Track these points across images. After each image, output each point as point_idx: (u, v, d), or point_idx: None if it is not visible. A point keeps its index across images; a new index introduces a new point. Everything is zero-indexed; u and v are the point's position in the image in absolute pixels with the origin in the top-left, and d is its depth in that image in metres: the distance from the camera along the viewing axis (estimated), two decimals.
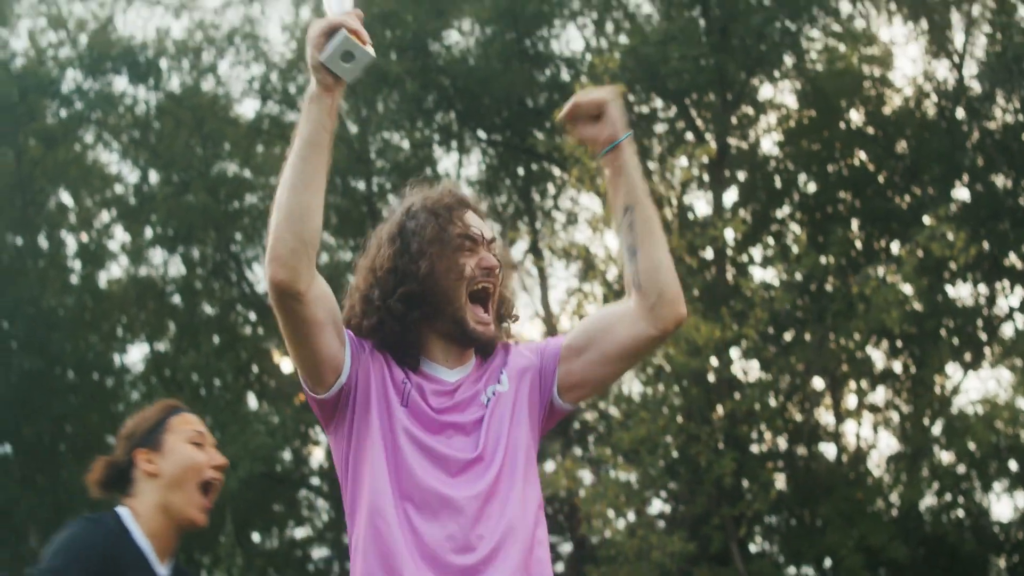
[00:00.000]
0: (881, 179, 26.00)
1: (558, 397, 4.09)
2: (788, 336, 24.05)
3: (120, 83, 29.89)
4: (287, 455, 28.85)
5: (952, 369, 24.98)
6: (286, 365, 27.26)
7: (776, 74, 26.23)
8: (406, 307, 3.94)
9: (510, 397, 4.02)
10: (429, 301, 3.94)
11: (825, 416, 25.69)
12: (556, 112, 20.80)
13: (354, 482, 3.90)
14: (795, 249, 23.07)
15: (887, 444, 27.07)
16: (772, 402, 22.91)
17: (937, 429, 24.47)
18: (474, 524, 3.78)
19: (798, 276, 22.73)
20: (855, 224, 25.73)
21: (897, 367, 25.96)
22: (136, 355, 30.59)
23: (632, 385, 23.26)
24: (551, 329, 27.05)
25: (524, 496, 3.91)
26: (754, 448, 23.73)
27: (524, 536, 3.85)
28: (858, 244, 25.35)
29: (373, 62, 3.77)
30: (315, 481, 30.43)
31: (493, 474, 3.87)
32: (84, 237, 31.52)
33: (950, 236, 20.64)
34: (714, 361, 21.99)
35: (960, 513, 25.26)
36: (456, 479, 3.83)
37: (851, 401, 25.68)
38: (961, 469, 24.46)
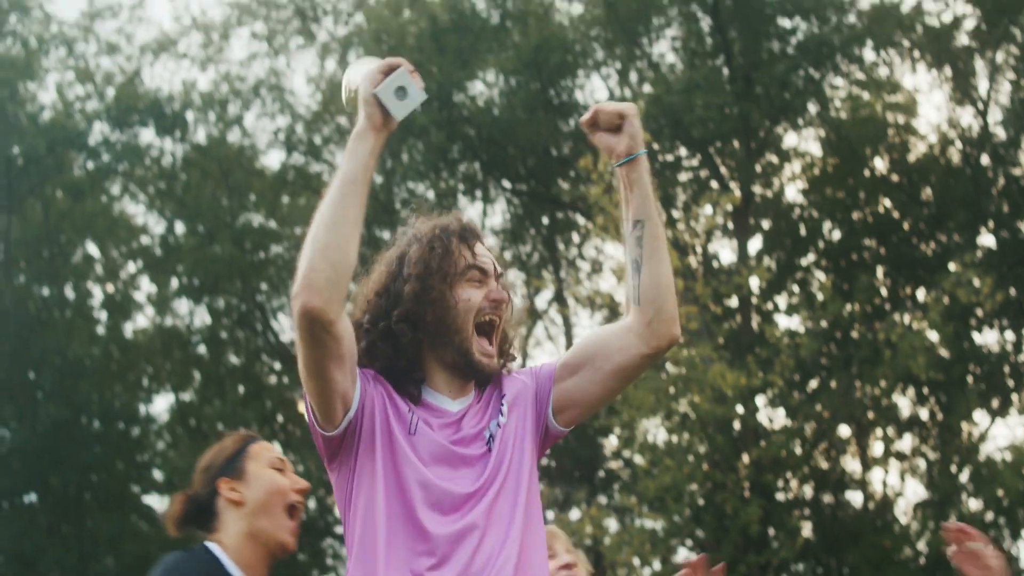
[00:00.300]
0: (906, 226, 25.96)
1: (552, 419, 4.07)
2: (814, 383, 23.97)
3: (147, 135, 30.19)
4: (311, 504, 28.80)
5: (979, 416, 24.84)
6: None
7: (800, 122, 26.27)
8: (403, 329, 3.91)
9: (511, 428, 3.99)
10: (433, 328, 3.93)
11: (851, 463, 25.58)
12: (581, 161, 20.92)
13: (356, 519, 3.86)
14: (820, 296, 23.04)
15: (914, 491, 26.94)
16: (798, 450, 22.82)
17: (965, 476, 24.33)
18: (450, 558, 3.75)
19: (823, 323, 22.69)
20: (880, 271, 25.70)
21: (924, 414, 25.82)
22: (161, 405, 30.76)
23: (658, 433, 23.19)
24: None
25: (522, 531, 3.85)
26: (780, 496, 23.60)
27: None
28: (883, 291, 25.28)
29: (423, 104, 3.80)
30: (339, 530, 30.35)
31: (483, 511, 3.82)
32: (110, 288, 31.62)
33: (976, 282, 20.58)
34: (740, 409, 21.93)
35: None
36: (447, 516, 3.79)
37: (878, 448, 25.54)
38: (989, 516, 24.27)
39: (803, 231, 26.93)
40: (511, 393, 4.06)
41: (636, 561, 20.87)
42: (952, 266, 22.07)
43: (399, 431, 3.88)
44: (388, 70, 3.77)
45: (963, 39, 26.08)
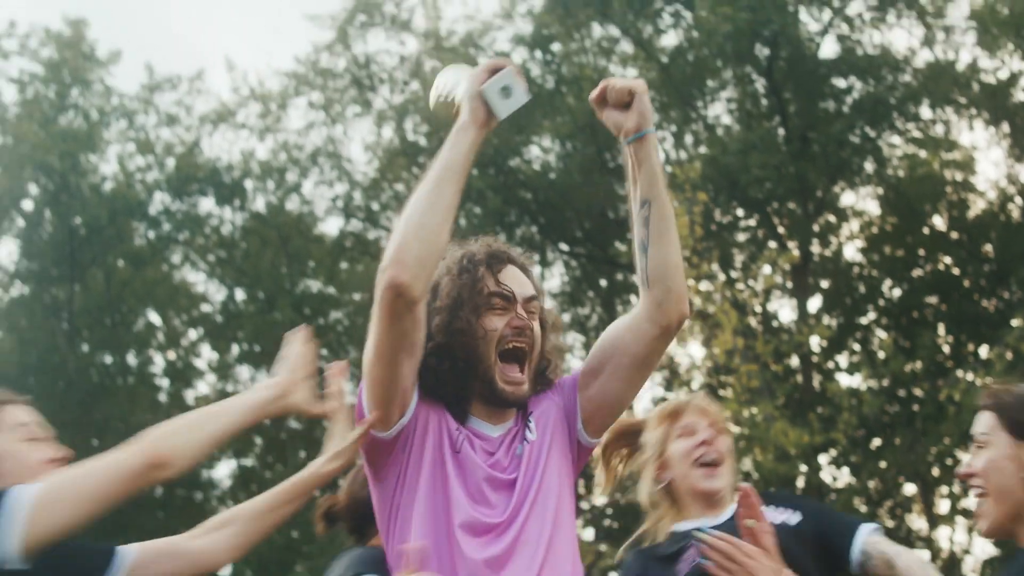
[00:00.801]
0: (967, 283, 25.85)
1: (583, 431, 4.09)
2: (877, 441, 23.82)
3: (206, 204, 30.55)
4: None
5: None
6: None
7: (857, 181, 26.27)
8: (437, 362, 3.94)
9: (539, 445, 4.02)
10: (460, 358, 3.96)
11: (917, 521, 25.33)
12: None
13: (395, 533, 3.90)
14: (881, 354, 22.94)
15: (982, 548, 26.56)
16: (863, 507, 22.65)
17: None
18: None
19: (885, 381, 22.59)
20: (942, 328, 25.56)
21: None
22: (224, 470, 30.79)
23: None
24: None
25: (547, 552, 3.85)
26: None
27: None
28: (946, 348, 25.14)
29: (527, 102, 3.88)
30: None
31: (510, 540, 3.84)
32: (172, 355, 31.88)
33: None
34: (803, 467, 21.81)
35: None
36: (479, 539, 3.82)
37: (944, 506, 25.31)
38: None
39: (862, 289, 26.85)
40: (539, 410, 4.08)
41: None
42: (1015, 321, 21.92)
43: (447, 447, 3.92)
44: (494, 69, 3.85)
45: (1020, 95, 26.05)
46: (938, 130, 26.46)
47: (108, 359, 30.93)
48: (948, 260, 26.22)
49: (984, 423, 3.74)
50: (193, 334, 32.25)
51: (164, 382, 31.78)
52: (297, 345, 4.11)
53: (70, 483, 3.44)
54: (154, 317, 32.17)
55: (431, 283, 3.85)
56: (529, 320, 4.02)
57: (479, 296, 3.98)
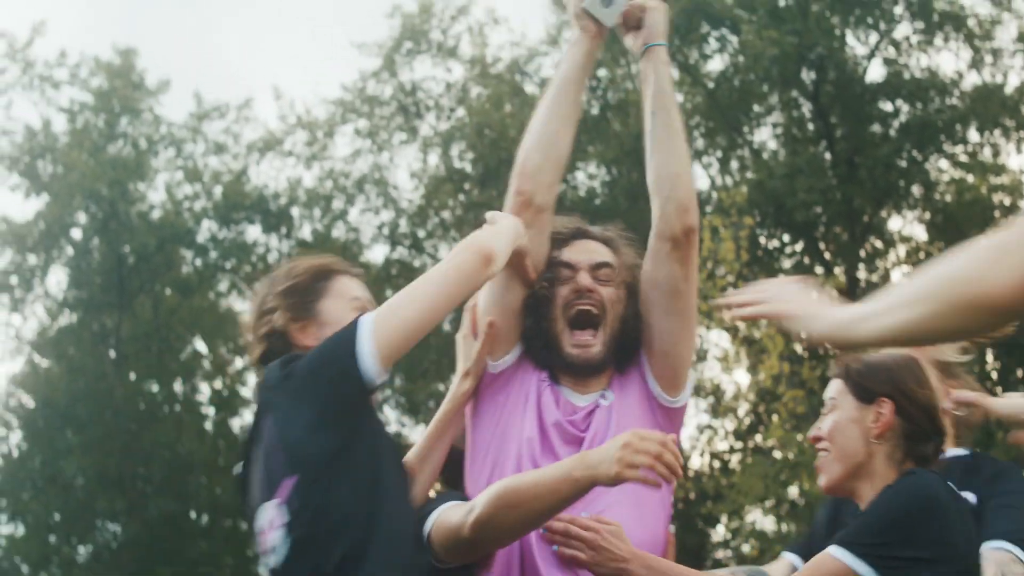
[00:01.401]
0: None
1: (657, 388, 4.10)
2: None
3: (253, 232, 30.63)
4: None
5: None
6: None
7: (904, 205, 26.06)
8: (528, 325, 4.12)
9: (613, 407, 4.06)
10: (537, 333, 4.09)
11: None
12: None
13: (485, 473, 4.02)
14: None
15: None
16: None
17: None
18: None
19: None
20: (990, 355, 25.27)
21: None
22: None
23: (766, 521, 22.91)
24: (683, 468, 26.76)
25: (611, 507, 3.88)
26: None
27: None
28: (993, 375, 24.85)
29: (628, 5, 4.13)
30: None
31: None
32: (218, 384, 31.94)
33: None
34: None
35: None
36: None
37: None
38: None
39: None
40: (622, 377, 4.14)
41: None
42: None
43: (533, 398, 4.05)
44: None
45: None
46: (986, 154, 26.22)
47: (155, 387, 31.04)
48: None
49: (833, 389, 3.91)
50: (239, 362, 32.33)
51: (210, 410, 31.82)
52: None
53: (408, 293, 3.62)
54: (201, 345, 32.26)
55: (554, 195, 4.12)
56: (596, 285, 4.09)
57: (551, 271, 4.11)
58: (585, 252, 4.18)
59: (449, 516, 3.79)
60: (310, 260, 4.09)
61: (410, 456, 4.14)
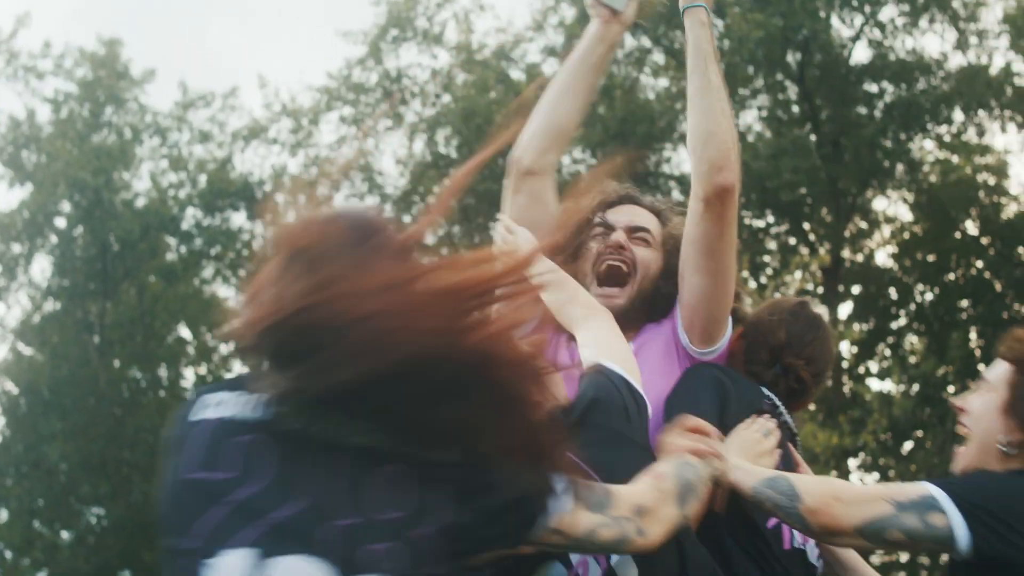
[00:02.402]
0: (999, 286, 25.59)
1: (685, 338, 4.21)
2: (908, 445, 23.57)
3: (238, 219, 30.56)
4: None
5: None
6: None
7: (889, 186, 26.09)
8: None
9: (634, 350, 4.04)
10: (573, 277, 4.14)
11: None
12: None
13: None
14: (912, 359, 22.74)
15: None
16: None
17: None
18: None
19: (915, 386, 22.38)
20: (974, 332, 25.32)
21: None
22: None
23: None
24: None
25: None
26: (875, 559, 23.13)
27: None
28: (977, 353, 24.88)
29: None
30: None
31: None
32: (203, 370, 31.87)
33: None
34: (832, 471, 21.58)
35: None
36: None
37: None
38: None
39: (894, 295, 26.63)
40: (649, 331, 4.32)
41: None
42: None
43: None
44: None
45: None
46: (971, 134, 26.26)
47: (139, 374, 30.95)
48: (980, 264, 25.99)
49: (997, 371, 3.84)
50: (224, 348, 32.28)
51: None
52: None
53: None
54: (185, 332, 32.23)
55: (549, 162, 4.35)
56: (631, 243, 4.31)
57: (585, 231, 4.35)
58: (627, 214, 4.39)
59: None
60: None
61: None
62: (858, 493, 3.58)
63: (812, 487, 3.56)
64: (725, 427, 3.82)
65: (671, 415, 3.76)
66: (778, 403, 4.24)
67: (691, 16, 4.21)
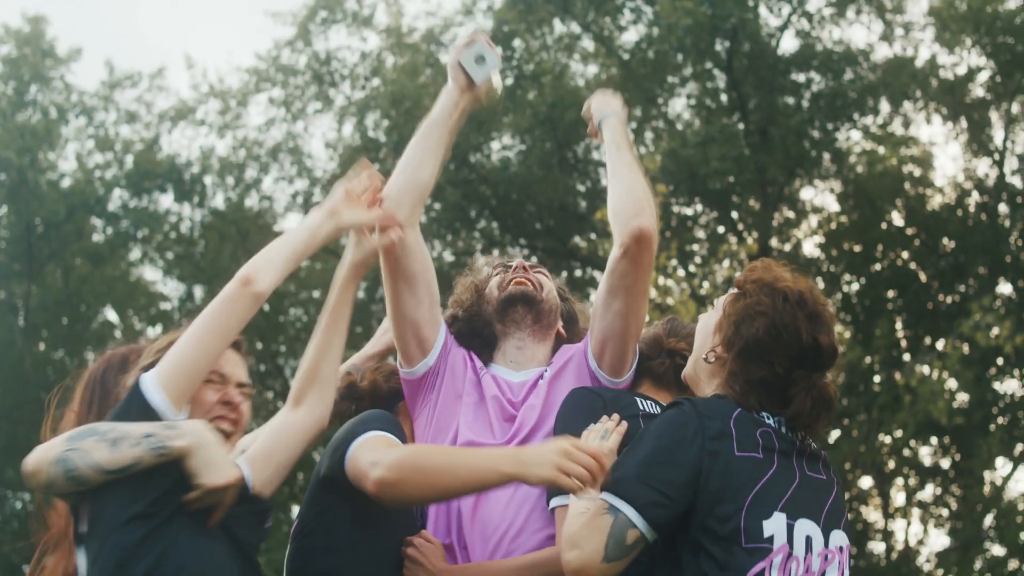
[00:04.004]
0: (924, 277, 25.89)
1: (596, 367, 4.53)
2: (835, 433, 23.80)
3: (165, 201, 30.33)
4: None
5: (1001, 462, 24.53)
6: None
7: (816, 175, 26.30)
8: (459, 326, 4.82)
9: (549, 380, 4.52)
10: (476, 318, 4.76)
11: (873, 514, 25.36)
12: (598, 214, 20.92)
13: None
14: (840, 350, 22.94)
15: (937, 540, 26.62)
16: None
17: (988, 522, 24.02)
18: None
19: (840, 376, 22.56)
20: (899, 322, 25.59)
21: (945, 463, 25.63)
22: None
23: None
24: None
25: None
26: None
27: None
28: (903, 343, 25.17)
29: (498, 67, 4.61)
30: None
31: None
32: None
33: (995, 331, 20.48)
34: None
35: None
36: None
37: (900, 499, 25.34)
38: (1013, 564, 23.91)
39: (821, 284, 26.86)
40: (560, 355, 4.65)
41: None
42: (973, 309, 21.84)
43: (470, 382, 4.59)
44: (471, 42, 4.64)
45: (978, 91, 26.14)
46: (897, 125, 26.52)
47: (66, 357, 30.72)
48: (906, 255, 26.28)
49: (724, 297, 4.17)
50: (151, 332, 32.08)
51: None
52: (357, 178, 4.58)
53: (184, 334, 4.04)
54: (112, 315, 32.05)
55: (416, 216, 4.62)
56: (531, 272, 4.79)
57: (487, 278, 4.90)
58: (519, 260, 4.85)
59: (360, 456, 4.00)
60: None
61: (311, 355, 4.39)
62: None
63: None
64: None
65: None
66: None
67: (606, 125, 4.83)
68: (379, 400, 4.74)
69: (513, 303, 4.68)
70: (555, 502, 4.14)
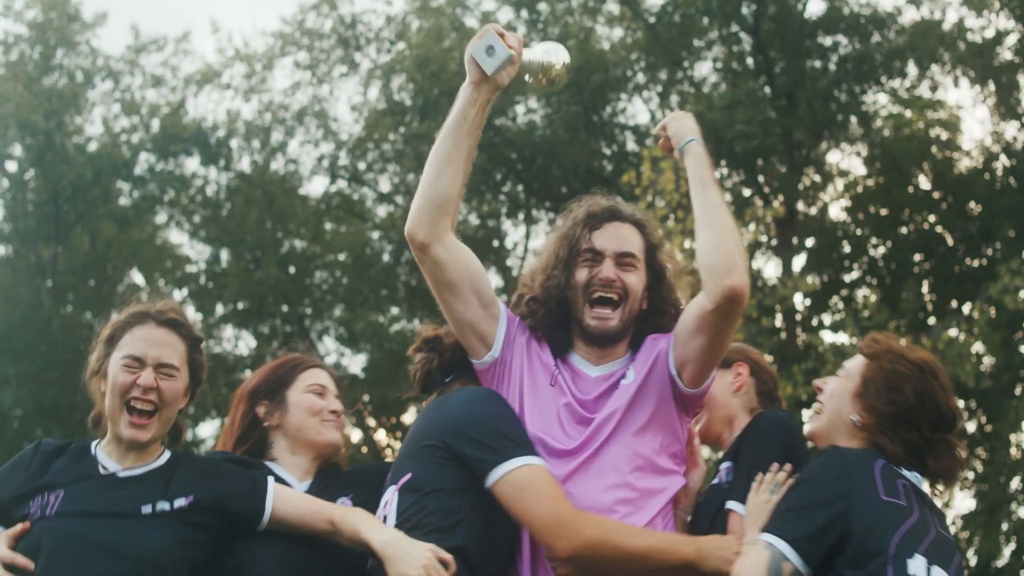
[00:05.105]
0: (951, 240, 25.82)
1: (678, 378, 4.58)
2: None
3: (191, 164, 30.39)
4: None
5: None
6: (356, 435, 27.14)
7: (843, 138, 26.22)
8: (532, 309, 4.71)
9: (633, 387, 4.55)
10: (552, 306, 4.65)
11: None
12: (624, 176, 20.90)
13: None
14: (865, 312, 22.92)
15: (963, 503, 26.58)
16: None
17: (1015, 485, 24.01)
18: None
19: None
20: (926, 285, 25.54)
21: (971, 427, 25.55)
22: (207, 430, 30.69)
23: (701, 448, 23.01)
24: None
25: (626, 480, 4.49)
26: None
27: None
28: (929, 306, 25.12)
29: (510, 59, 4.51)
30: None
31: (574, 466, 4.44)
32: None
33: (1022, 294, 20.44)
34: None
35: None
36: (556, 461, 4.42)
37: None
38: None
39: (847, 248, 26.84)
40: (643, 356, 4.64)
41: None
42: (1001, 272, 21.76)
43: (541, 380, 4.61)
44: (482, 34, 4.55)
45: (1006, 54, 26.00)
46: (924, 89, 26.42)
47: (92, 319, 30.82)
48: (932, 218, 26.22)
49: (855, 363, 4.65)
50: (177, 294, 32.16)
51: None
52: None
53: None
54: (138, 277, 32.09)
55: (442, 228, 4.51)
56: (619, 273, 4.64)
57: (572, 253, 4.68)
58: (613, 239, 4.67)
59: (531, 500, 4.30)
60: None
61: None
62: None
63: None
64: None
65: None
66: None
67: (687, 151, 4.69)
68: (460, 356, 4.81)
69: (594, 306, 4.68)
70: (730, 505, 4.56)
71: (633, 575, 4.36)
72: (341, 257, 30.72)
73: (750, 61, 26.50)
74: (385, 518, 4.45)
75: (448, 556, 4.19)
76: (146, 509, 4.43)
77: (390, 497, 4.47)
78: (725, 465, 4.76)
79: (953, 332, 21.89)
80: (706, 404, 4.94)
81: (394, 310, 31.43)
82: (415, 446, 4.47)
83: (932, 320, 24.30)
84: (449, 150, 4.52)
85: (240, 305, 29.81)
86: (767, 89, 25.61)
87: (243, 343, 31.45)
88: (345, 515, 4.48)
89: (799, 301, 24.15)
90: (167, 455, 4.66)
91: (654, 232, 4.80)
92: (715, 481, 4.78)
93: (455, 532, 4.30)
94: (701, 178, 4.61)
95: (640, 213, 4.82)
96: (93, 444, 4.65)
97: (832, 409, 4.60)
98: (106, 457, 4.57)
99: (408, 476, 4.42)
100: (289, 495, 4.61)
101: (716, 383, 4.81)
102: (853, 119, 25.81)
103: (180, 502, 4.49)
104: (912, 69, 26.14)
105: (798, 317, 24.92)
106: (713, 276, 4.35)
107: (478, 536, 4.34)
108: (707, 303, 4.38)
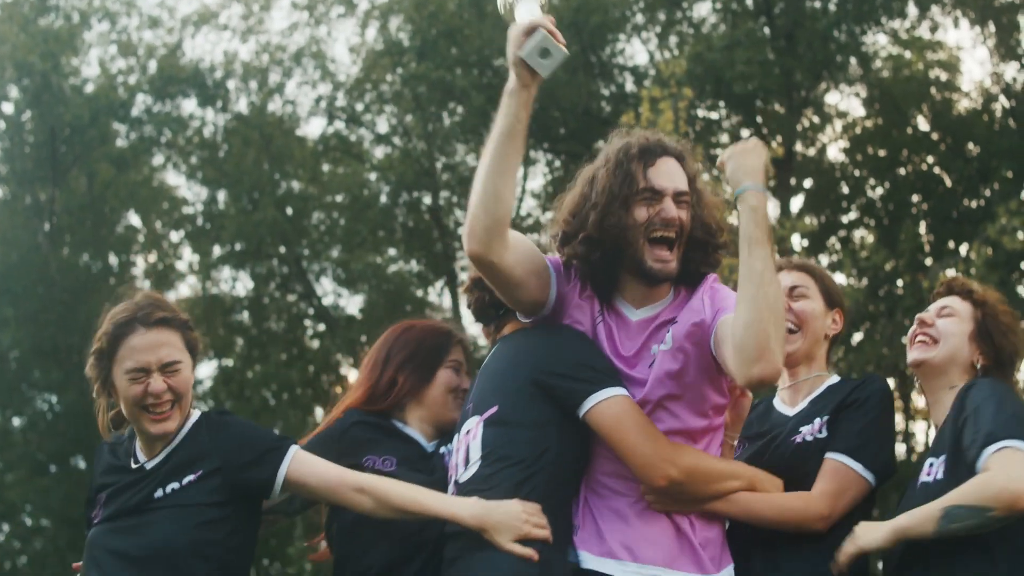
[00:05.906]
0: (949, 182, 25.81)
1: (714, 351, 4.35)
2: (858, 336, 23.84)
3: (188, 106, 30.31)
4: None
5: None
6: (354, 376, 27.24)
7: (842, 79, 26.15)
8: (587, 251, 4.42)
9: (671, 354, 4.39)
10: (612, 247, 4.40)
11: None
12: (623, 116, 20.84)
13: None
14: (863, 253, 22.94)
15: None
16: None
17: None
18: None
19: (864, 280, 22.61)
20: (924, 226, 25.53)
21: None
22: (205, 371, 30.74)
23: None
24: None
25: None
26: None
27: None
28: (927, 247, 25.12)
29: (566, 59, 4.19)
30: None
31: None
32: (153, 257, 31.87)
33: (1020, 234, 20.43)
34: None
35: None
36: None
37: (921, 401, 25.31)
38: None
39: (845, 189, 26.83)
40: (684, 321, 4.42)
41: None
42: (999, 212, 21.75)
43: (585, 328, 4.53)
44: (530, 31, 4.15)
45: None
46: (924, 29, 26.31)
47: (90, 260, 30.86)
48: (931, 159, 26.18)
49: (964, 307, 5.00)
50: (175, 236, 32.24)
51: (145, 284, 31.60)
52: None
53: None
54: (135, 219, 32.13)
55: (506, 237, 4.29)
56: (678, 211, 4.42)
57: (629, 190, 4.38)
58: (668, 176, 4.44)
59: (635, 435, 4.36)
60: None
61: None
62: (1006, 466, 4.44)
63: (973, 494, 4.35)
64: None
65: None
66: None
67: (741, 201, 4.21)
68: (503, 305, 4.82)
69: (655, 245, 4.45)
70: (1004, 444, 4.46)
71: (713, 505, 4.46)
72: (339, 198, 30.68)
73: (749, 1, 26.38)
74: (468, 448, 4.48)
75: (534, 506, 4.28)
76: (158, 493, 4.44)
77: (473, 427, 4.48)
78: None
79: (951, 272, 21.86)
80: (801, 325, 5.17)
81: (391, 251, 31.46)
82: (500, 379, 4.50)
83: (929, 261, 24.25)
84: (508, 159, 4.23)
85: (237, 246, 29.79)
86: (766, 30, 25.52)
87: (240, 284, 31.53)
88: (394, 487, 4.52)
89: (797, 242, 24.09)
90: (190, 423, 4.61)
91: (692, 163, 4.57)
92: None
93: (540, 463, 4.35)
94: (749, 237, 4.10)
95: (680, 144, 4.59)
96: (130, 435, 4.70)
97: (952, 346, 4.93)
98: (138, 450, 4.60)
99: (495, 409, 4.43)
100: (311, 462, 4.58)
101: (818, 315, 5.28)
102: (852, 60, 25.70)
103: (189, 477, 4.47)
104: (912, 10, 25.98)
105: (796, 259, 24.89)
106: (742, 361, 4.06)
107: (561, 469, 4.39)
108: (736, 375, 4.15)
